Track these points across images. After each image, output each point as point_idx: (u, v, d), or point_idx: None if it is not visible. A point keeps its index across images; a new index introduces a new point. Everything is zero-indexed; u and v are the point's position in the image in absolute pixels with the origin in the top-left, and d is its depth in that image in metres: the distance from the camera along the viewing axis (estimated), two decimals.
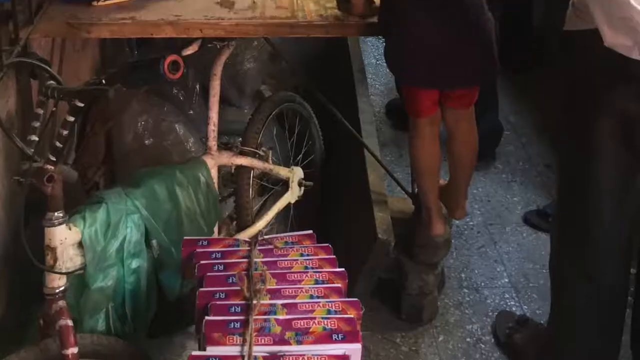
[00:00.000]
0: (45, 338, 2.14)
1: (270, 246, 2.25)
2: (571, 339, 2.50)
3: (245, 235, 2.81)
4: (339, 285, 2.10)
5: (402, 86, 3.16)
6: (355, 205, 3.29)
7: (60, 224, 2.11)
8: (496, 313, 3.14)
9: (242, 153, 2.89)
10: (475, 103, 2.86)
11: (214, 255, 2.21)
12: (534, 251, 3.57)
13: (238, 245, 2.28)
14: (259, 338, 1.89)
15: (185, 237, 2.38)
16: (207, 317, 1.94)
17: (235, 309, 1.98)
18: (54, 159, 2.14)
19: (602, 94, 2.18)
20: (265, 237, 2.30)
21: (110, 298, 2.35)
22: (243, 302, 1.99)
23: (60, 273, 2.14)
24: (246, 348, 1.85)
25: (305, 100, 3.41)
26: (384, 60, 2.86)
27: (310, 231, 2.35)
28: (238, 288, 2.04)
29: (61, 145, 2.20)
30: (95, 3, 2.64)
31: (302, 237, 2.31)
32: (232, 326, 1.91)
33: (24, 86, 2.62)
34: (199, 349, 1.97)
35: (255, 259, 2.16)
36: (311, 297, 2.04)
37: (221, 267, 2.15)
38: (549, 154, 4.21)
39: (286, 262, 2.18)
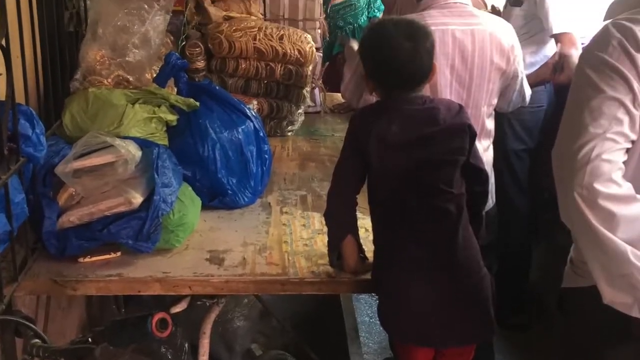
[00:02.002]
0: None
1: None
2: None
3: None
4: None
5: (395, 344, 3.11)
6: None
7: None
8: None
9: None
10: None
11: None
12: None
13: None
14: None
15: None
16: None
17: None
18: None
19: (601, 352, 2.13)
20: None
21: None
22: None
23: None
24: None
25: (296, 359, 3.36)
26: (378, 318, 2.82)
27: None
28: None
29: None
30: (81, 259, 2.64)
31: None
32: None
33: (8, 344, 2.55)
34: None
35: None
36: None
37: None
38: None
39: None
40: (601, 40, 2.01)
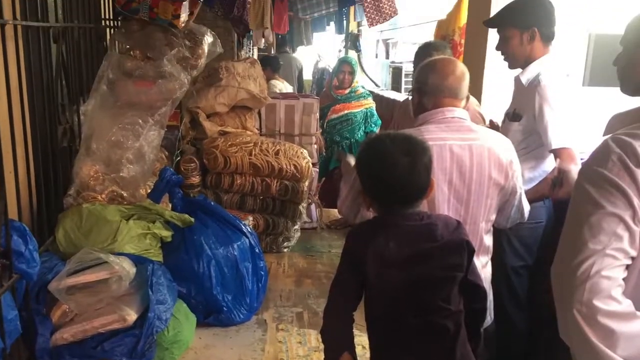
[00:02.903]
0: None
1: None
2: None
3: None
4: None
5: None
6: None
7: None
8: None
9: None
10: None
11: None
12: None
13: None
14: None
15: None
16: None
17: None
18: None
19: None
20: None
21: None
22: None
23: None
24: None
25: None
26: None
27: None
28: None
29: None
30: None
31: None
32: None
33: None
34: None
35: None
36: None
37: None
38: None
39: None
40: (601, 156, 2.03)
